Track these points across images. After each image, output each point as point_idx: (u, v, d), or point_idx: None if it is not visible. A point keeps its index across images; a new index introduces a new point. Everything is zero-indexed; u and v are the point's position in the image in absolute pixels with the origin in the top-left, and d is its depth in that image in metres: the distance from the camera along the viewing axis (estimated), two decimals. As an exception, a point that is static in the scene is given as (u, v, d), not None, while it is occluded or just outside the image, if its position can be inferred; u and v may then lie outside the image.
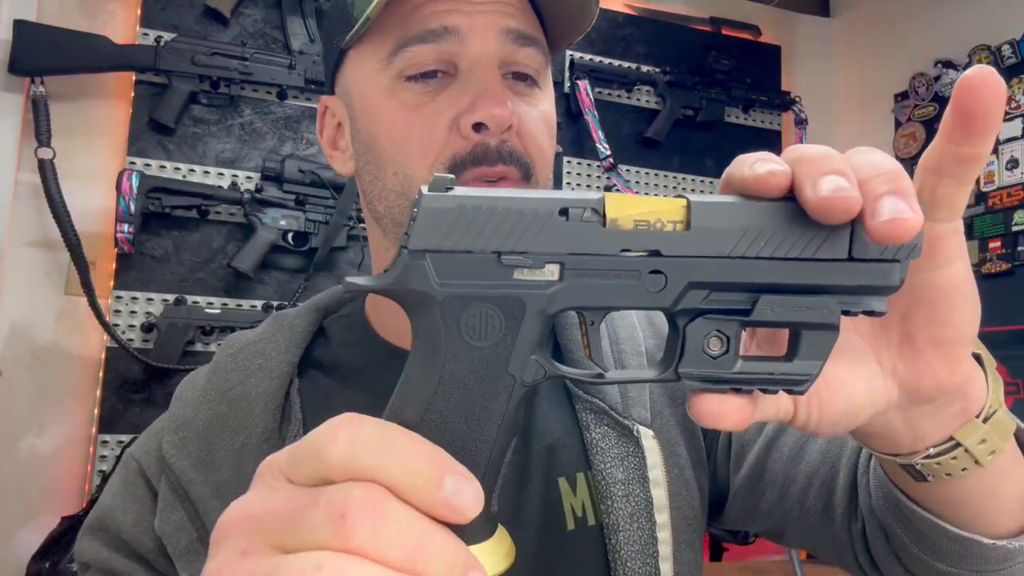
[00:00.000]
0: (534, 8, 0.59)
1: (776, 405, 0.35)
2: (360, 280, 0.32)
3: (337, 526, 0.26)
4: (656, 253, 0.32)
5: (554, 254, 0.31)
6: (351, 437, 0.28)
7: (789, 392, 0.33)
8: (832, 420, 0.36)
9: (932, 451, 0.39)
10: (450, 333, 0.31)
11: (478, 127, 0.54)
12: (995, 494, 0.42)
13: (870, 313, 0.33)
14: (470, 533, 0.32)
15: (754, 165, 0.31)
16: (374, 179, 0.58)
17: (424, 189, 0.31)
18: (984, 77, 0.30)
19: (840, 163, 0.30)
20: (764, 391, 0.34)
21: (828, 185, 0.29)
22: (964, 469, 0.39)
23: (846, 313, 0.33)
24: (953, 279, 0.34)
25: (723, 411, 0.33)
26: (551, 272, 0.32)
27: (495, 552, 0.33)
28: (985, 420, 0.38)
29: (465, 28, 0.54)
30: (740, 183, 0.32)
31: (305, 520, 0.27)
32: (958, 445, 0.38)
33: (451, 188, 0.31)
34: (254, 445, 0.56)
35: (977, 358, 0.39)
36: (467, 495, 0.28)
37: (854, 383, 0.36)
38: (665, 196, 0.33)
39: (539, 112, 0.58)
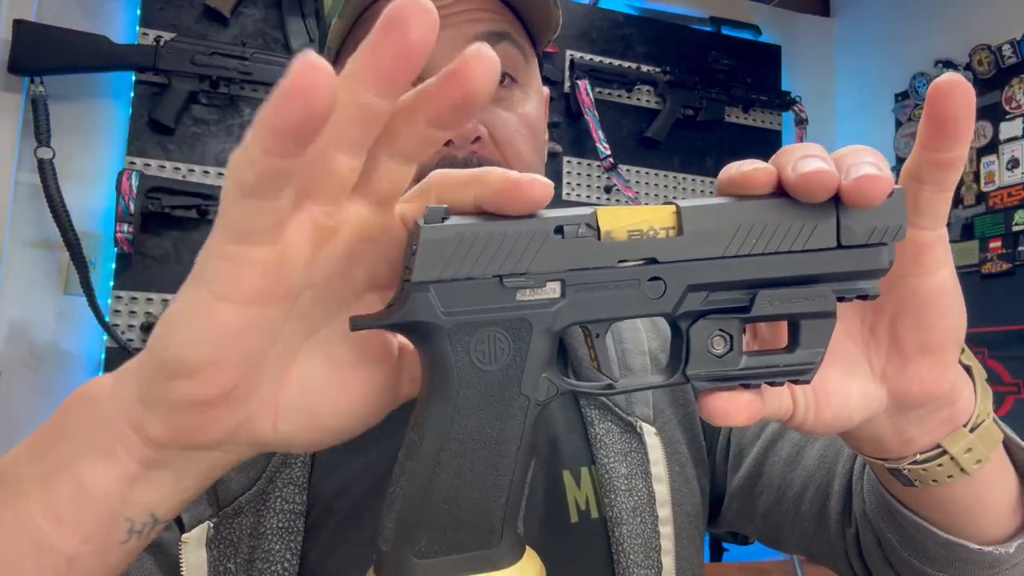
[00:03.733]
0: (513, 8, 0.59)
1: (779, 401, 0.36)
2: (365, 316, 0.32)
3: None
4: (652, 260, 0.32)
5: (554, 272, 0.32)
6: None
7: (795, 382, 0.34)
8: (827, 421, 0.37)
9: (919, 457, 0.39)
10: (460, 360, 0.32)
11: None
12: (983, 500, 0.43)
13: (864, 297, 0.34)
14: (499, 557, 0.32)
15: (741, 166, 0.33)
16: None
17: (421, 221, 0.31)
18: (954, 83, 0.31)
19: (816, 149, 0.32)
20: (771, 384, 0.34)
21: (806, 165, 0.31)
22: (950, 476, 0.39)
23: (841, 299, 0.34)
24: (939, 286, 0.36)
25: (734, 408, 0.33)
26: (553, 290, 0.32)
27: (526, 574, 0.33)
28: (972, 430, 0.39)
29: None
30: (728, 184, 0.33)
31: None
32: (944, 452, 0.39)
33: (447, 218, 0.31)
34: None
35: (968, 370, 0.40)
36: None
37: (849, 386, 0.37)
38: (665, 196, 0.33)
39: (517, 116, 0.58)
